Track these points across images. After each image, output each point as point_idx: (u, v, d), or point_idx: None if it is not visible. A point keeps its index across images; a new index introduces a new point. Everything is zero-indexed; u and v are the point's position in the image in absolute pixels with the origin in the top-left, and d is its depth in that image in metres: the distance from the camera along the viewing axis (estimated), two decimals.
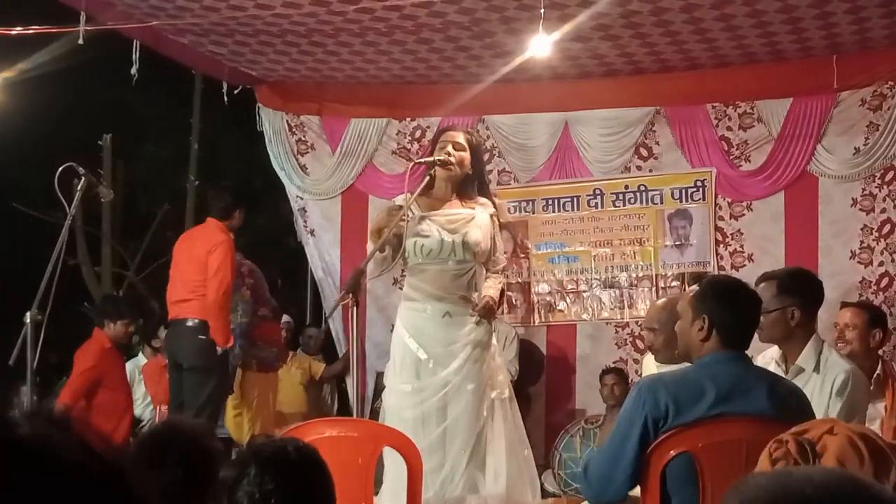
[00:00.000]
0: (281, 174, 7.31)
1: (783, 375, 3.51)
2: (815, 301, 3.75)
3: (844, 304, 5.03)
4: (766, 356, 3.79)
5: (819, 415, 3.24)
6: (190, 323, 5.96)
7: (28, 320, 4.25)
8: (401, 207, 4.42)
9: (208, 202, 6.53)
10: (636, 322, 6.64)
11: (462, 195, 4.63)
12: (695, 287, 3.23)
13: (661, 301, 4.87)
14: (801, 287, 3.68)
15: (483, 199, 4.66)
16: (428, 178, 4.51)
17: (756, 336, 3.61)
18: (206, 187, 12.94)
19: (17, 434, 0.82)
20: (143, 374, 7.09)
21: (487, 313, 4.53)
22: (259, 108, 7.25)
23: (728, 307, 3.04)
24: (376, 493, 3.92)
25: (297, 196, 7.36)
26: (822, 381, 3.54)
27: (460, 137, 4.62)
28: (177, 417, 5.12)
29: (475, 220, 4.55)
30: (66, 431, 0.83)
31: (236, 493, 2.12)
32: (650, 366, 4.50)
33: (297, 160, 7.28)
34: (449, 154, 4.51)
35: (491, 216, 4.62)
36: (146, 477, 0.90)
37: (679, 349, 3.20)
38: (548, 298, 6.93)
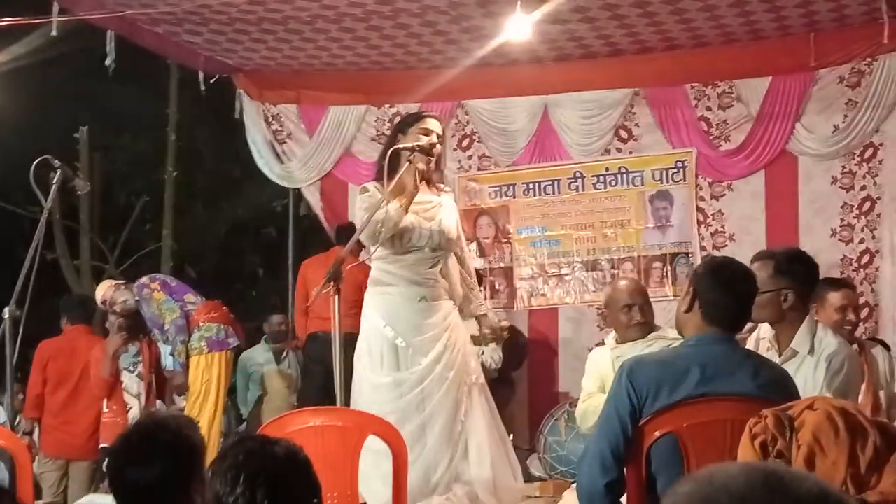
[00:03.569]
0: (259, 162, 7.26)
1: (776, 357, 3.50)
2: (810, 284, 3.71)
3: (836, 282, 4.86)
4: (758, 335, 3.77)
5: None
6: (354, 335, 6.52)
7: (6, 316, 4.20)
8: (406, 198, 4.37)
9: (335, 234, 6.99)
10: None
11: (429, 182, 4.54)
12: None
13: (625, 282, 4.75)
14: (798, 270, 3.63)
15: (444, 186, 4.64)
16: (408, 164, 4.38)
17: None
18: (185, 177, 12.94)
19: None
20: (92, 358, 6.94)
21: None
22: (238, 94, 7.19)
23: (713, 284, 3.00)
24: None
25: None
26: (817, 363, 3.50)
27: (440, 129, 4.50)
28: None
29: (444, 207, 4.48)
30: None
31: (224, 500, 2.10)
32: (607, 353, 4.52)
33: (274, 148, 7.24)
34: (433, 144, 4.42)
35: (455, 201, 4.65)
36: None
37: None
38: (530, 282, 6.92)
